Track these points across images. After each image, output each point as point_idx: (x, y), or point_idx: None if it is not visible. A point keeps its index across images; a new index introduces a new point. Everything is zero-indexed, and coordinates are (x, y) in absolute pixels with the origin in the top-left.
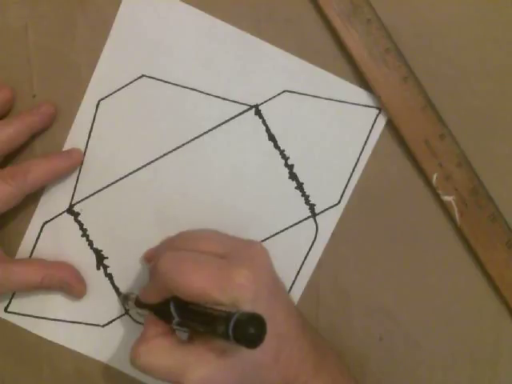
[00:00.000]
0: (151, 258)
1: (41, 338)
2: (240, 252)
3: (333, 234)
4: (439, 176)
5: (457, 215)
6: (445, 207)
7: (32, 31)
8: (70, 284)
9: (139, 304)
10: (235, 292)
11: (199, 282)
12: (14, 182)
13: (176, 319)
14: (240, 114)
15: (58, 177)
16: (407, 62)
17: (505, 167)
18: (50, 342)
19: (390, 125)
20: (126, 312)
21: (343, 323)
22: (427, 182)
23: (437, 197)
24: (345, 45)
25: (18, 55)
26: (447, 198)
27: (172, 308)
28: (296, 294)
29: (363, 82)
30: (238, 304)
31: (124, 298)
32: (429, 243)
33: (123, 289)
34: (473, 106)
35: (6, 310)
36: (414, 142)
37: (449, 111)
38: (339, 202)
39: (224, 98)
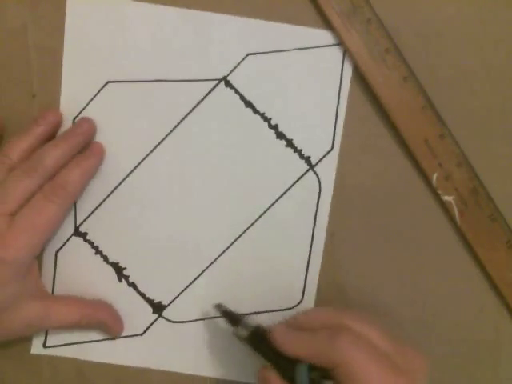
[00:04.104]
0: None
1: None
2: (407, 360)
3: (333, 234)
4: (439, 176)
5: (457, 215)
6: (445, 207)
7: (32, 31)
8: (108, 325)
9: (252, 340)
10: None
11: (374, 375)
12: (57, 198)
13: None
14: (211, 90)
15: (92, 176)
16: (407, 61)
17: (505, 167)
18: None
19: (390, 125)
20: (160, 316)
21: None
22: (427, 182)
23: (437, 197)
24: (345, 45)
25: (17, 55)
26: (447, 198)
27: (302, 375)
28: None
29: (324, 23)
30: None
31: (234, 321)
32: (429, 243)
33: (149, 293)
34: (473, 106)
35: (44, 345)
36: (413, 142)
37: (449, 111)
38: (332, 147)
39: (192, 80)
